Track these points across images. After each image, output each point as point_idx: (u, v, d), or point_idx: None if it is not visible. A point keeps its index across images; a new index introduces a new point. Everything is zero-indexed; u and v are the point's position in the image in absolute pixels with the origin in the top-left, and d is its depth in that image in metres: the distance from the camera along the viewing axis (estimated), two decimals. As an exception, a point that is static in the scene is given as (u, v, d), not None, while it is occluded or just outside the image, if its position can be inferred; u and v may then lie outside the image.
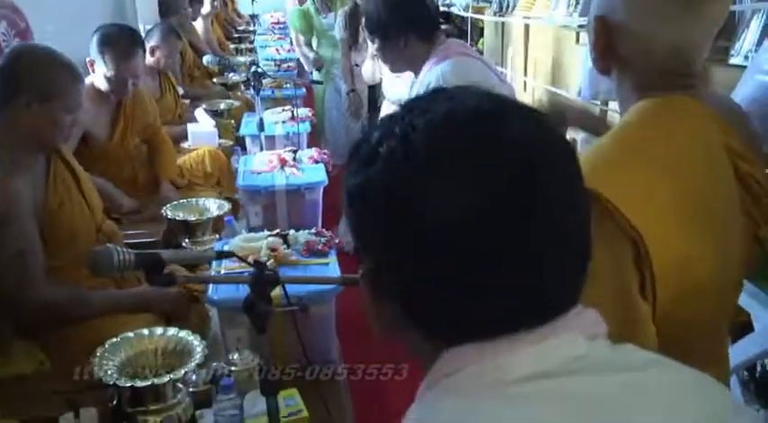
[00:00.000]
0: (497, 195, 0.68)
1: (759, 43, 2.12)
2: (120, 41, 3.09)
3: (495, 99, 0.76)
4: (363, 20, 3.39)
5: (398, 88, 3.46)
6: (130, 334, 1.89)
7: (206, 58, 4.46)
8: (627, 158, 1.11)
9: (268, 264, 1.82)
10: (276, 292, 1.60)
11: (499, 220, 0.68)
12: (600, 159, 1.12)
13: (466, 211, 0.68)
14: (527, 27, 3.91)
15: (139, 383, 1.71)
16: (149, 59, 4.07)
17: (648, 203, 1.07)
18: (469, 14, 4.53)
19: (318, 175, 3.40)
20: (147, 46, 3.97)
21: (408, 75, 2.80)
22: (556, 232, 0.71)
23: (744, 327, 1.75)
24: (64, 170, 2.30)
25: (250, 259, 1.61)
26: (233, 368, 1.99)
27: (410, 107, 0.76)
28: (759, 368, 1.75)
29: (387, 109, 3.62)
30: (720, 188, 1.18)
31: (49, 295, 2.09)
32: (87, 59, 3.08)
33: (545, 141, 0.73)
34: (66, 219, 2.23)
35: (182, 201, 2.98)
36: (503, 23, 4.13)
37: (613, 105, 2.64)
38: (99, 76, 3.10)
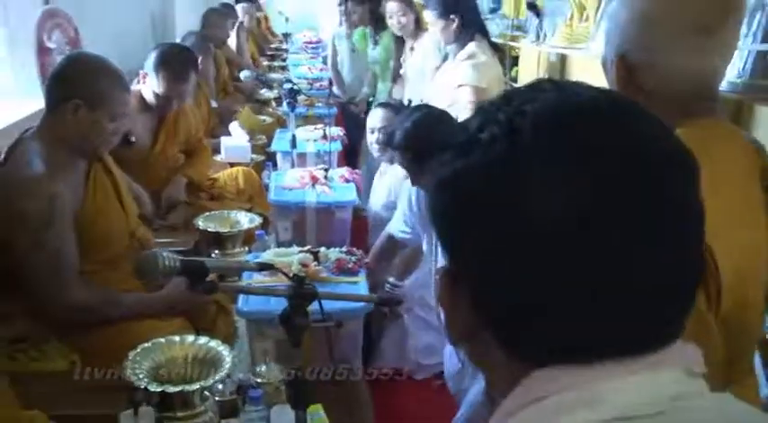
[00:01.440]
0: (617, 196, 0.60)
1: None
2: (177, 63, 3.17)
3: (610, 93, 0.69)
4: None
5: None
6: (162, 339, 1.90)
7: (243, 73, 4.51)
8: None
9: (302, 278, 1.83)
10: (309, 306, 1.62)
11: (617, 224, 0.60)
12: None
13: (578, 210, 0.60)
14: (563, 57, 3.91)
15: (171, 389, 1.71)
16: None
17: (711, 222, 1.10)
18: (507, 42, 4.55)
19: (349, 194, 3.42)
20: None
21: None
22: (676, 246, 0.63)
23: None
24: (104, 176, 2.32)
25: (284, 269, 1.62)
26: (260, 380, 1.99)
27: (510, 96, 0.68)
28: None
29: None
30: (757, 205, 1.23)
31: (82, 296, 2.11)
32: (141, 71, 3.17)
33: (669, 142, 0.66)
34: (103, 224, 2.25)
35: (213, 212, 3.00)
36: (539, 53, 4.14)
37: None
38: (148, 89, 3.17)
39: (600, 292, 0.61)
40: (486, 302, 0.66)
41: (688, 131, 1.14)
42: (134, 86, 3.13)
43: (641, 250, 0.61)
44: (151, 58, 3.16)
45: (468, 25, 3.51)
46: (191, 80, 3.26)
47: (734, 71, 2.43)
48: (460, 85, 3.40)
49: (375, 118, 3.39)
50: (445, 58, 3.67)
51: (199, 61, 4.24)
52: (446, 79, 3.53)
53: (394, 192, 3.22)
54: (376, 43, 5.20)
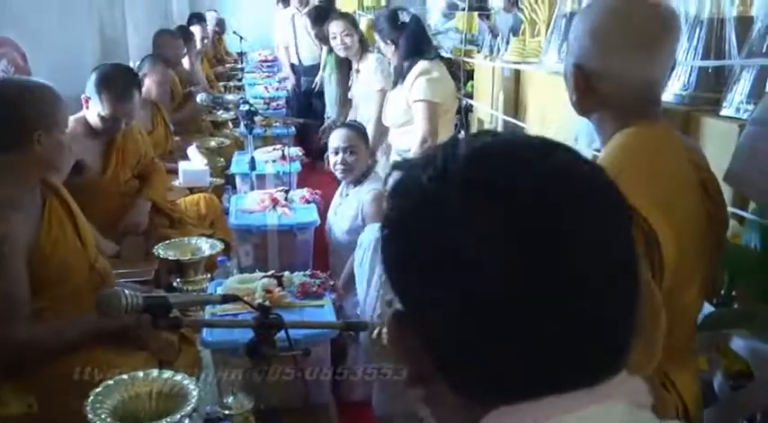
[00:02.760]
0: (536, 240, 0.62)
1: (750, 95, 2.17)
2: (118, 82, 3.09)
3: (543, 138, 0.71)
4: None
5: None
6: (125, 376, 1.86)
7: (199, 97, 4.48)
8: (633, 171, 1.31)
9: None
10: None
11: (540, 267, 0.62)
12: (613, 172, 1.21)
13: (501, 254, 0.62)
14: (517, 71, 3.97)
15: (135, 428, 1.68)
16: (145, 90, 4.10)
17: (655, 207, 1.28)
18: (461, 58, 4.60)
19: (310, 215, 3.41)
20: (143, 76, 4.04)
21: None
22: (603, 285, 0.64)
23: (741, 375, 1.77)
24: (59, 207, 2.28)
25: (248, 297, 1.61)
26: (227, 412, 1.97)
27: (455, 141, 0.70)
28: (759, 417, 1.76)
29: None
30: (694, 196, 1.44)
31: (28, 333, 2.05)
32: (83, 96, 3.08)
33: (594, 181, 0.68)
34: (60, 257, 2.21)
35: (174, 240, 2.96)
36: (493, 67, 4.19)
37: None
38: (93, 113, 3.09)
39: (539, 332, 0.63)
40: (433, 346, 0.67)
41: (637, 130, 1.41)
42: (78, 113, 3.09)
43: (575, 289, 0.63)
44: (91, 81, 3.07)
45: (417, 45, 3.65)
46: (135, 98, 3.18)
47: (680, 84, 2.50)
48: (415, 101, 3.47)
49: (338, 138, 3.35)
50: (398, 78, 3.72)
51: (151, 82, 4.25)
52: (402, 96, 3.58)
53: (361, 216, 3.20)
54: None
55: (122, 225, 3.19)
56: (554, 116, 3.44)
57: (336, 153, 3.31)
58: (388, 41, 3.83)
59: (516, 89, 3.98)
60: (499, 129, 3.98)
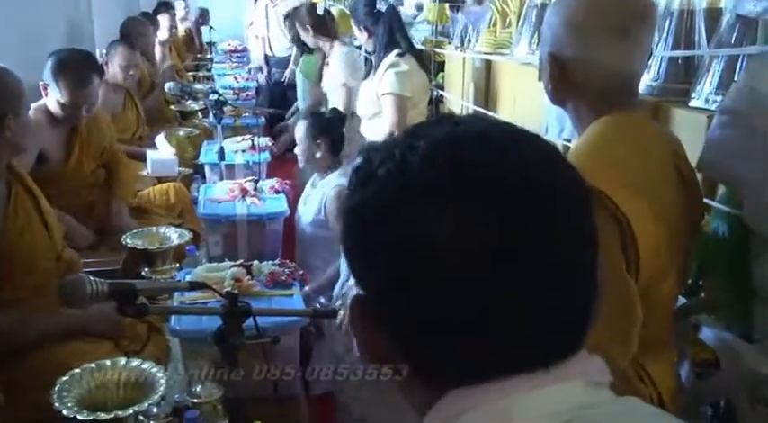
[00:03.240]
0: (495, 226, 0.64)
1: (719, 86, 2.19)
2: (76, 68, 2.99)
3: (504, 126, 0.73)
4: None
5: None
6: (92, 364, 1.84)
7: (167, 85, 4.42)
8: (610, 161, 1.34)
9: (235, 294, 1.80)
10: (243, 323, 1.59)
11: (497, 253, 0.64)
12: (590, 161, 1.30)
13: (459, 241, 0.64)
14: (488, 62, 3.97)
15: (102, 416, 1.65)
16: (108, 74, 4.05)
17: (632, 197, 1.28)
18: (431, 49, 4.59)
19: (280, 205, 3.39)
20: (104, 62, 4.00)
21: None
22: (561, 269, 0.66)
23: (708, 364, 1.79)
24: (24, 195, 2.24)
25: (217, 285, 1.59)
26: (196, 400, 1.95)
27: (413, 130, 0.73)
28: (723, 405, 1.79)
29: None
30: (672, 186, 1.44)
31: None
32: (41, 83, 2.99)
33: (552, 170, 0.69)
34: (27, 246, 2.17)
35: (142, 229, 2.92)
36: (464, 59, 4.20)
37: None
38: (52, 100, 2.99)
39: (497, 314, 0.65)
40: (394, 329, 0.70)
41: (613, 119, 1.40)
42: (39, 102, 3.00)
43: (533, 274, 0.65)
44: (48, 67, 2.97)
45: (392, 36, 3.61)
46: (94, 84, 3.07)
47: (650, 75, 2.52)
48: (384, 94, 3.46)
49: (302, 129, 3.36)
50: (371, 69, 3.70)
51: (116, 65, 4.19)
52: (372, 89, 3.57)
53: (324, 212, 3.19)
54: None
55: (109, 228, 3.15)
56: (524, 107, 3.45)
57: (300, 143, 3.32)
58: (362, 28, 3.80)
59: (487, 80, 3.99)
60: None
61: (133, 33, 5.15)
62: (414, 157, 0.68)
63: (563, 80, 1.43)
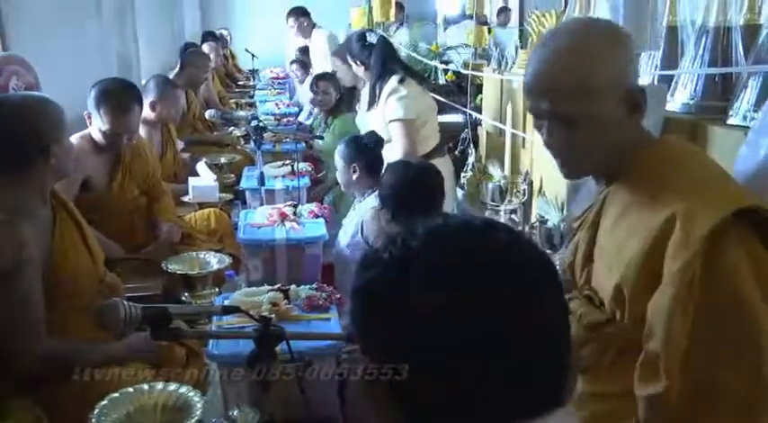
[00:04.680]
0: (488, 297, 0.77)
1: (757, 103, 2.16)
2: (117, 97, 3.08)
3: (484, 219, 0.88)
4: None
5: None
6: (130, 389, 1.87)
7: (208, 113, 4.51)
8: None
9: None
10: (279, 347, 1.60)
11: (488, 320, 0.76)
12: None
13: (454, 314, 0.76)
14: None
15: (139, 440, 1.68)
16: (151, 114, 4.12)
17: None
18: (469, 72, 4.60)
19: (318, 229, 3.40)
20: (147, 100, 4.02)
21: None
22: (539, 337, 0.79)
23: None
24: (69, 221, 2.31)
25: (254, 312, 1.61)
26: (233, 425, 1.97)
27: (412, 222, 0.86)
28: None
29: None
30: None
31: (48, 346, 2.07)
32: (85, 113, 3.10)
33: (528, 254, 0.83)
34: (71, 271, 2.23)
35: (182, 254, 2.98)
36: (501, 80, 4.19)
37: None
38: (95, 128, 3.10)
39: (481, 382, 0.77)
40: (405, 394, 0.80)
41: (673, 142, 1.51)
42: (84, 131, 3.12)
43: (513, 340, 0.77)
44: (91, 96, 3.08)
45: (385, 64, 3.78)
46: (134, 112, 3.15)
47: (687, 93, 2.49)
48: (390, 121, 3.56)
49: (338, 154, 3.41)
50: (372, 99, 3.84)
51: (168, 105, 4.27)
52: (378, 117, 3.66)
53: (362, 234, 3.20)
54: (325, 129, 5.23)
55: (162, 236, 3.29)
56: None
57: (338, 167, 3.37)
58: (359, 62, 3.93)
59: (523, 102, 3.97)
60: (507, 142, 3.97)
61: (193, 64, 5.27)
62: (414, 242, 0.81)
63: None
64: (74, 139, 3.03)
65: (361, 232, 3.16)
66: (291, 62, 7.45)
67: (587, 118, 1.40)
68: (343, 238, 3.32)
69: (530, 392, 0.78)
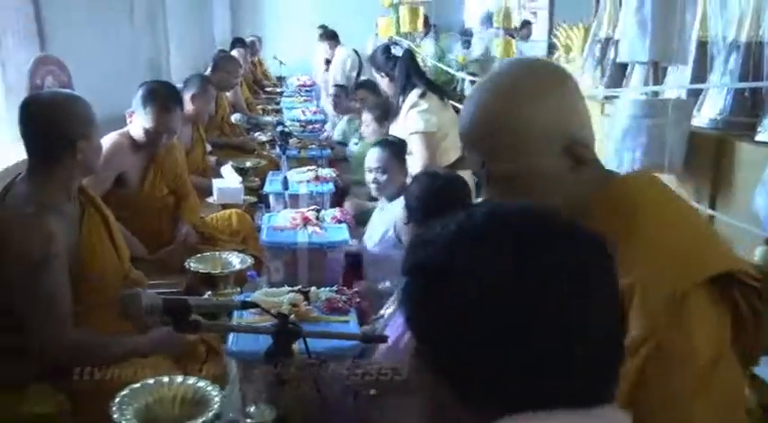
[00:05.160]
0: (555, 275, 0.76)
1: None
2: (164, 97, 3.25)
3: (542, 208, 0.86)
4: None
5: None
6: (150, 380, 1.89)
7: (234, 117, 4.56)
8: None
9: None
10: (297, 346, 1.62)
11: (557, 299, 0.76)
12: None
13: (518, 286, 0.75)
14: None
15: (157, 431, 1.70)
16: (189, 109, 4.25)
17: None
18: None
19: (341, 234, 3.42)
20: (188, 94, 4.25)
21: None
22: (597, 325, 0.78)
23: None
24: (96, 217, 2.35)
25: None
26: (249, 421, 1.98)
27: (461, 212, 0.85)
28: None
29: None
30: None
31: (73, 339, 2.11)
32: (127, 111, 3.24)
33: (589, 233, 0.82)
34: (97, 265, 2.27)
35: (205, 254, 3.01)
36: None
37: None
38: (136, 126, 3.23)
39: (544, 357, 0.76)
40: (452, 374, 0.80)
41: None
42: (123, 129, 3.24)
43: (575, 332, 0.76)
44: (138, 95, 3.23)
45: (408, 77, 3.86)
46: (177, 113, 3.32)
47: (714, 109, 2.48)
48: (411, 134, 3.63)
49: (370, 158, 3.50)
50: (395, 110, 3.93)
51: (201, 102, 4.36)
52: (399, 129, 3.69)
53: (395, 232, 3.23)
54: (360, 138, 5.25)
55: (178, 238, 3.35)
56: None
57: (370, 172, 3.46)
58: (383, 74, 4.01)
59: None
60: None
61: (224, 69, 5.35)
62: (472, 222, 0.81)
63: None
64: (113, 135, 3.20)
65: (394, 230, 3.18)
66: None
67: (522, 175, 1.22)
68: (372, 237, 3.35)
69: (572, 384, 0.77)
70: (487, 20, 7.79)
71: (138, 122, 3.22)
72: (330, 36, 7.81)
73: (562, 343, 0.76)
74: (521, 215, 0.82)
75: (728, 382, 1.12)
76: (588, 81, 3.55)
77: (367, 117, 4.52)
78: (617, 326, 0.81)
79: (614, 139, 2.52)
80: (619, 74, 3.22)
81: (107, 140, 3.19)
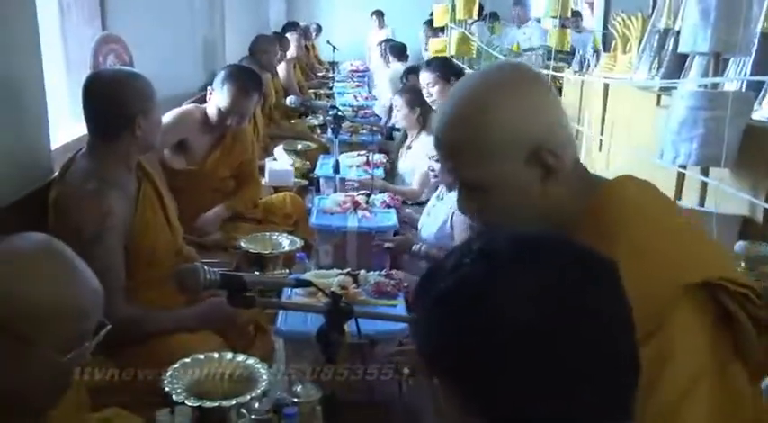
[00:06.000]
0: (575, 301, 0.77)
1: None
2: (244, 80, 3.35)
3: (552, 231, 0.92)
4: None
5: None
6: (201, 356, 1.94)
7: (289, 99, 4.60)
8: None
9: (340, 298, 1.85)
10: (346, 327, 1.64)
11: (577, 327, 0.77)
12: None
13: (547, 313, 0.76)
14: (606, 87, 3.92)
15: (207, 404, 1.74)
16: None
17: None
18: (549, 73, 4.56)
19: (390, 219, 3.44)
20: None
21: None
22: (610, 347, 0.79)
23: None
24: (152, 194, 2.39)
25: (322, 294, 1.65)
26: (296, 399, 2.01)
27: (479, 235, 0.88)
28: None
29: None
30: None
31: (125, 312, 2.16)
32: (209, 88, 3.37)
33: (597, 255, 0.84)
34: (150, 240, 2.32)
35: (256, 234, 3.06)
36: (582, 82, 4.16)
37: (691, 170, 2.62)
38: (212, 104, 3.34)
39: (577, 381, 0.77)
40: (485, 397, 0.79)
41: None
42: (202, 104, 3.37)
43: (600, 346, 0.78)
44: (220, 75, 3.35)
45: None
46: (253, 99, 3.41)
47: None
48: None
49: (431, 146, 3.49)
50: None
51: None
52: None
53: (450, 224, 3.22)
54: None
55: (197, 223, 3.32)
56: (640, 132, 3.38)
57: (429, 159, 3.43)
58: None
59: (604, 103, 3.93)
60: (582, 145, 3.94)
61: (260, 51, 5.39)
62: (496, 247, 0.81)
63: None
64: (189, 105, 3.40)
65: (450, 222, 3.17)
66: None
67: (492, 184, 1.20)
68: (429, 225, 3.34)
69: (599, 402, 0.78)
70: (539, 9, 7.72)
71: (214, 100, 3.32)
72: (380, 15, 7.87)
73: (593, 366, 0.77)
74: (541, 240, 0.84)
75: (725, 393, 1.09)
76: (644, 72, 3.50)
77: (398, 101, 4.46)
78: (634, 341, 0.83)
79: (670, 131, 2.47)
80: (676, 65, 3.16)
81: (182, 108, 3.37)
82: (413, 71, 5.46)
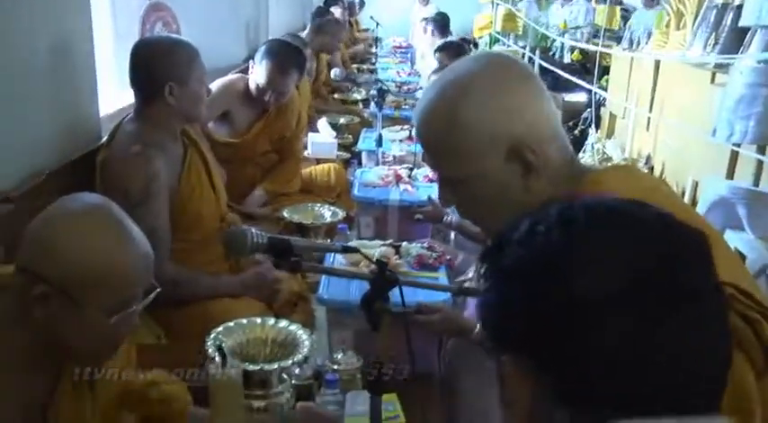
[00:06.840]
0: (659, 278, 0.71)
1: None
2: (282, 56, 3.31)
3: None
4: None
5: None
6: (244, 320, 1.95)
7: (333, 71, 4.58)
8: None
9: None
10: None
11: (660, 304, 0.71)
12: None
13: (629, 288, 0.71)
14: (657, 64, 3.83)
15: (250, 367, 1.75)
16: None
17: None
18: (598, 49, 4.48)
19: (432, 193, 3.42)
20: None
21: None
22: (697, 332, 0.73)
23: None
24: (198, 160, 2.41)
25: (363, 264, 1.64)
26: (336, 367, 2.02)
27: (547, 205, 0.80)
28: None
29: None
30: None
31: (171, 274, 2.18)
32: (251, 62, 3.35)
33: (687, 229, 0.77)
34: (195, 205, 2.34)
35: (299, 205, 3.08)
36: (632, 59, 4.07)
37: (745, 148, 2.55)
38: (252, 79, 3.33)
39: (658, 366, 0.72)
40: (561, 374, 0.75)
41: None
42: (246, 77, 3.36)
43: (681, 328, 0.72)
44: (260, 50, 3.33)
45: None
46: (292, 75, 3.36)
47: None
48: None
49: None
50: None
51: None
52: None
53: None
54: None
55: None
56: (692, 109, 3.30)
57: None
58: None
59: (655, 81, 3.84)
60: (630, 123, 3.87)
61: (331, 33, 5.37)
62: (575, 214, 0.75)
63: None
64: (235, 75, 3.41)
65: None
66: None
67: (471, 179, 1.20)
68: None
69: (681, 391, 0.73)
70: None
71: (254, 75, 3.31)
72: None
73: (676, 349, 0.72)
74: (624, 208, 0.78)
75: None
76: (699, 49, 3.41)
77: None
78: (728, 331, 0.77)
79: (726, 109, 2.41)
80: (734, 41, 3.07)
81: (226, 77, 3.38)
82: (441, 50, 5.41)
